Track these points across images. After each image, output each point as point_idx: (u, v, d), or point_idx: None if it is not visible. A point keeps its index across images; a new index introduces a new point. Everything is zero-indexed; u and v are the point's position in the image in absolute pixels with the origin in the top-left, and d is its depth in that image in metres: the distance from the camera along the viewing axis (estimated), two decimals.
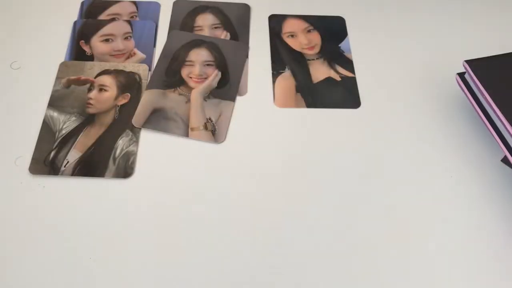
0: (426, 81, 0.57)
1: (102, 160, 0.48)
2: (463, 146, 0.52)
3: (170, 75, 0.55)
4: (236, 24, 0.61)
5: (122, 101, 0.52)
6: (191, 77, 0.55)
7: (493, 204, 0.48)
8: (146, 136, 0.50)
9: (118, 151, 0.49)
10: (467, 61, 0.49)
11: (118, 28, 0.59)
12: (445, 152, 0.51)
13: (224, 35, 0.59)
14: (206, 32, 0.59)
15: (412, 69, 0.58)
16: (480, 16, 0.64)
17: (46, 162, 0.47)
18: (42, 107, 0.51)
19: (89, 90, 0.53)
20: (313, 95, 0.55)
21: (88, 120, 0.51)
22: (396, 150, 0.51)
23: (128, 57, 0.57)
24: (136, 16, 0.61)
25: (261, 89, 0.55)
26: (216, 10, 0.62)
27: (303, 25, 0.61)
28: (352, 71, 0.57)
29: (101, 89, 0.53)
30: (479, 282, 0.43)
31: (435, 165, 0.50)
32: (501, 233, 0.46)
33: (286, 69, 0.57)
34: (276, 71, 0.56)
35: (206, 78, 0.55)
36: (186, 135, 0.50)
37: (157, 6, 0.62)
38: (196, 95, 0.53)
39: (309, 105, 0.54)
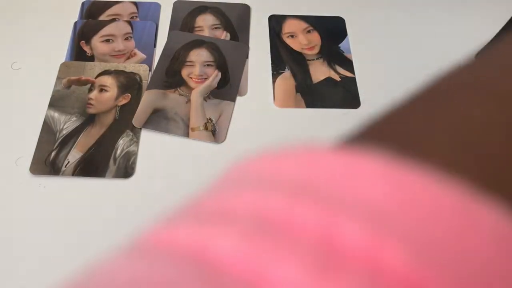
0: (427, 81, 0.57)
1: (102, 160, 0.48)
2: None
3: (171, 75, 0.55)
4: (236, 24, 0.61)
5: (123, 101, 0.53)
6: (191, 78, 0.55)
7: None
8: (147, 136, 0.50)
9: (118, 151, 0.49)
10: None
11: (118, 28, 0.59)
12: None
13: (224, 35, 0.59)
14: (206, 33, 0.60)
15: (412, 69, 0.58)
16: (482, 16, 0.64)
17: (46, 162, 0.48)
18: (42, 108, 0.52)
19: (90, 90, 0.53)
20: (313, 95, 0.55)
21: (89, 120, 0.51)
22: None
23: (128, 58, 0.57)
24: (136, 16, 0.61)
25: (261, 89, 0.55)
26: (216, 10, 0.62)
27: (303, 25, 0.61)
28: (352, 71, 0.57)
29: (102, 89, 0.53)
30: None
31: None
32: None
33: (286, 69, 0.57)
34: (276, 71, 0.57)
35: (206, 79, 0.55)
36: (187, 135, 0.51)
37: (157, 6, 0.62)
38: (196, 95, 0.53)
39: (309, 105, 0.54)
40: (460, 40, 0.61)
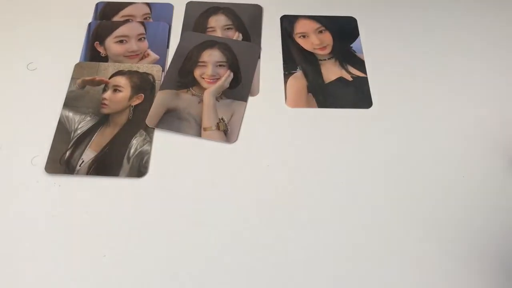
0: (439, 81, 0.57)
1: (116, 159, 0.49)
2: (474, 147, 0.51)
3: (183, 75, 0.55)
4: (248, 25, 0.61)
5: (136, 101, 0.53)
6: (203, 78, 0.55)
7: (499, 204, 0.48)
8: (160, 136, 0.51)
9: (132, 151, 0.49)
10: None
11: (132, 29, 0.60)
12: (457, 152, 0.51)
13: (236, 36, 0.60)
14: (218, 33, 0.60)
15: (424, 69, 0.58)
16: (495, 13, 0.64)
17: (61, 162, 0.48)
18: (57, 108, 0.52)
19: (104, 90, 0.54)
20: (324, 95, 0.55)
21: (103, 120, 0.52)
22: (407, 150, 0.51)
23: (142, 58, 0.57)
24: (149, 17, 0.62)
25: (273, 89, 0.55)
26: (228, 11, 0.62)
27: (315, 25, 0.61)
28: (364, 71, 0.57)
29: (116, 89, 0.54)
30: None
31: (447, 165, 0.50)
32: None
33: (298, 69, 0.57)
34: (288, 72, 0.57)
35: (218, 79, 0.55)
36: (199, 135, 0.51)
37: (170, 7, 0.63)
38: (208, 95, 0.54)
39: (321, 105, 0.54)
40: (473, 37, 0.61)
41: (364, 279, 0.43)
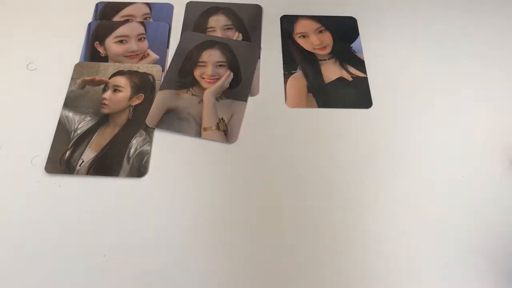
0: (439, 81, 0.57)
1: (116, 159, 0.49)
2: (474, 146, 0.51)
3: (183, 75, 0.55)
4: (248, 25, 0.61)
5: (136, 101, 0.53)
6: (203, 78, 0.55)
7: (496, 204, 0.48)
8: (160, 136, 0.51)
9: (132, 151, 0.49)
10: None
11: (132, 29, 0.60)
12: (457, 152, 0.51)
13: (236, 36, 0.60)
14: (218, 33, 0.60)
15: (424, 69, 0.58)
16: (492, 12, 0.64)
17: (61, 162, 0.48)
18: (57, 107, 0.52)
19: (104, 90, 0.54)
20: (324, 95, 0.55)
21: (103, 120, 0.52)
22: (408, 150, 0.51)
23: (141, 58, 0.57)
24: (149, 17, 0.62)
25: (272, 90, 0.55)
26: (228, 11, 0.62)
27: (315, 25, 0.61)
28: (364, 71, 0.57)
29: (116, 89, 0.54)
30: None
31: (446, 165, 0.50)
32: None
33: (298, 69, 0.57)
34: (288, 72, 0.57)
35: (218, 79, 0.55)
36: (199, 135, 0.51)
37: (170, 7, 0.63)
38: (208, 95, 0.54)
39: (321, 105, 0.54)
40: (473, 38, 0.61)
41: (365, 278, 0.43)
